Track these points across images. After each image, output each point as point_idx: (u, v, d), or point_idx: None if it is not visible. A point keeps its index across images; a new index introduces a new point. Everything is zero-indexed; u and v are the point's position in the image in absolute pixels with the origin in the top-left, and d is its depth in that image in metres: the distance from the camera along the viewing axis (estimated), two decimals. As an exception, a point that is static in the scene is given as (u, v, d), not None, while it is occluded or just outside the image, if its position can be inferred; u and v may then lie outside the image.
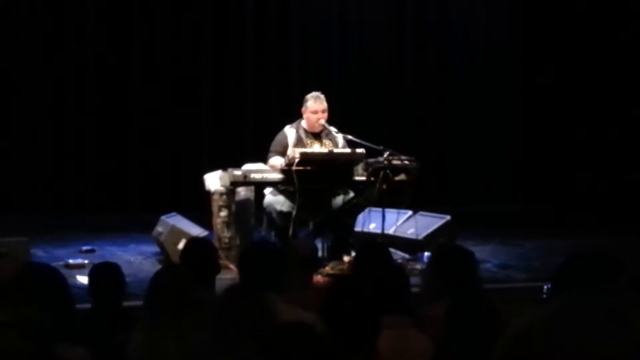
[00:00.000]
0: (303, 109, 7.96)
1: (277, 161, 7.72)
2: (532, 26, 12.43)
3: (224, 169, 7.73)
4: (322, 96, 7.95)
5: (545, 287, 7.28)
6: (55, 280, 4.15)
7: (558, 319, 1.73)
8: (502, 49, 12.57)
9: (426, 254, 7.83)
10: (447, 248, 4.97)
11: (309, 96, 7.97)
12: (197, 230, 8.08)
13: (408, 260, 7.87)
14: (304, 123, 7.95)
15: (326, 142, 7.91)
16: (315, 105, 7.90)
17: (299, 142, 7.84)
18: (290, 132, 7.92)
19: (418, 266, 7.52)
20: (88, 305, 4.81)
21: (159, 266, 7.19)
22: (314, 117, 7.88)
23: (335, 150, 7.73)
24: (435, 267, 4.39)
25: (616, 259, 3.99)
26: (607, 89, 12.09)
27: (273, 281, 4.06)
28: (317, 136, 7.94)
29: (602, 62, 12.10)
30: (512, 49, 12.55)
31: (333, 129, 7.96)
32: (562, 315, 1.73)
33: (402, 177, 7.66)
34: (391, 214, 8.14)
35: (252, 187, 7.95)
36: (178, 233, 7.88)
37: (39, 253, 8.18)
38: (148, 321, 3.82)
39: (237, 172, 7.61)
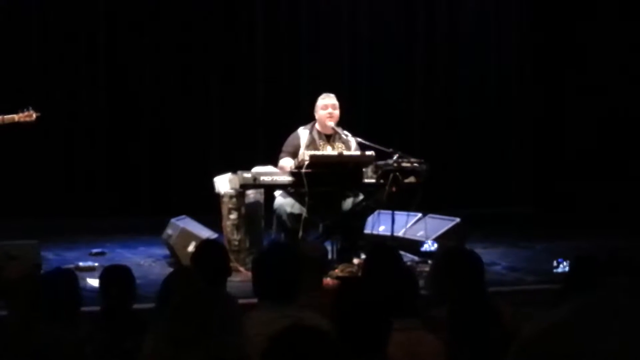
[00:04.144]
0: (315, 110, 7.99)
1: (287, 163, 7.74)
2: (543, 28, 12.41)
3: (234, 171, 7.73)
4: (332, 95, 7.99)
5: (555, 262, 7.37)
6: (66, 285, 4.18)
7: (575, 321, 1.73)
8: (512, 50, 12.55)
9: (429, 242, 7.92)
10: (454, 250, 4.96)
11: (319, 97, 8.02)
12: (206, 233, 8.08)
13: (417, 262, 7.88)
14: (317, 125, 7.97)
15: (339, 144, 7.91)
16: (325, 101, 7.94)
17: (311, 144, 7.86)
18: (303, 133, 7.94)
19: (427, 268, 7.52)
20: (98, 308, 4.82)
21: (169, 269, 7.19)
22: (324, 112, 7.89)
23: (345, 153, 7.73)
24: (441, 270, 4.40)
25: (621, 260, 3.99)
26: (619, 89, 12.07)
27: (288, 285, 4.05)
28: (330, 138, 7.95)
29: (615, 62, 12.08)
30: (523, 51, 12.53)
31: (346, 132, 7.97)
32: (579, 317, 1.73)
33: (411, 179, 7.67)
34: (401, 216, 8.15)
35: (262, 190, 7.96)
36: (188, 236, 7.89)
37: (49, 256, 8.20)
38: (158, 324, 3.82)
39: (247, 175, 7.62)
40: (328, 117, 7.89)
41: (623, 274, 3.46)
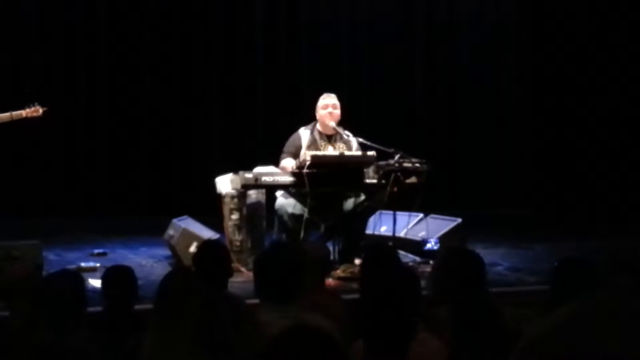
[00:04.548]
0: (316, 110, 8.00)
1: (288, 163, 7.74)
2: (544, 28, 12.40)
3: (236, 171, 7.73)
4: (333, 95, 8.00)
5: (555, 263, 7.36)
6: (71, 287, 4.17)
7: (577, 321, 1.73)
8: (513, 51, 12.55)
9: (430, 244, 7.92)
10: (455, 251, 4.97)
11: (320, 97, 8.03)
12: (208, 233, 8.08)
13: (419, 262, 7.88)
14: (318, 125, 7.98)
15: (340, 145, 7.92)
16: (325, 100, 7.97)
17: (312, 144, 7.86)
18: (304, 133, 7.95)
19: (429, 269, 7.52)
20: (100, 308, 4.83)
21: (171, 269, 7.20)
22: (324, 112, 7.91)
23: (346, 153, 7.73)
24: (443, 270, 4.40)
25: (623, 260, 3.99)
26: (618, 91, 12.07)
27: (289, 286, 4.05)
28: (331, 139, 7.96)
29: (615, 63, 12.07)
30: (524, 52, 12.53)
31: (347, 133, 7.98)
32: (581, 318, 1.73)
33: (413, 179, 7.67)
34: (402, 216, 8.15)
35: (263, 190, 7.96)
36: (189, 236, 7.89)
37: (50, 256, 8.19)
38: (158, 324, 3.82)
39: (249, 175, 7.62)
40: (328, 116, 7.90)
41: (625, 275, 3.46)
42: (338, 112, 7.95)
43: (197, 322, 3.61)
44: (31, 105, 8.32)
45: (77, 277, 4.39)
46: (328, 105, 7.94)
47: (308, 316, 3.84)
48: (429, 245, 8.12)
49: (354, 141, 7.96)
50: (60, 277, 4.32)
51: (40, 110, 8.34)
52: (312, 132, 7.95)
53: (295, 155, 7.76)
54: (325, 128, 7.95)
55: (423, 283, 4.58)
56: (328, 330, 2.70)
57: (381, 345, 3.29)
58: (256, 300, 4.22)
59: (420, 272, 7.13)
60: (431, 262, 7.66)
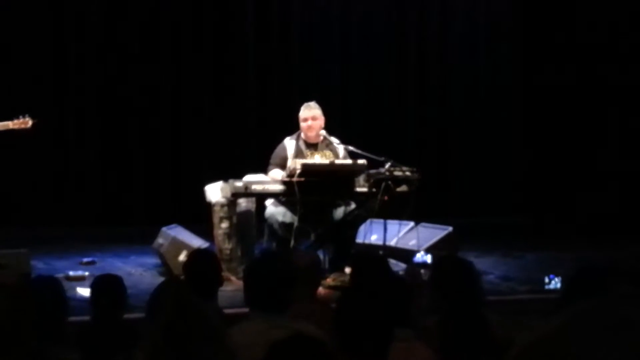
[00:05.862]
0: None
1: (276, 174, 7.73)
2: (535, 34, 12.38)
3: (225, 180, 7.70)
4: (313, 104, 7.99)
5: (546, 278, 7.35)
6: (54, 293, 4.13)
7: (572, 328, 1.71)
8: (505, 57, 12.53)
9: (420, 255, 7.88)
10: (447, 260, 4.95)
11: (302, 106, 8.01)
12: (198, 242, 8.06)
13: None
14: (303, 134, 7.95)
15: (326, 152, 7.90)
16: (304, 112, 7.94)
17: (298, 154, 7.83)
18: (289, 143, 7.92)
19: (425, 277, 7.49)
20: (88, 317, 4.79)
21: (160, 278, 7.17)
22: (304, 124, 7.90)
23: (337, 162, 7.72)
24: (434, 279, 4.38)
25: (622, 268, 3.99)
26: (612, 99, 12.05)
27: (280, 294, 4.02)
28: (317, 147, 7.93)
29: (609, 68, 12.05)
30: (516, 58, 12.52)
31: (334, 140, 7.96)
32: (576, 325, 1.71)
33: (403, 188, 7.66)
34: (393, 225, 8.13)
35: (253, 199, 7.93)
36: (179, 245, 7.87)
37: (39, 265, 8.15)
38: (150, 335, 3.79)
39: (238, 184, 7.60)
40: (307, 129, 7.88)
41: (624, 282, 3.45)
42: (318, 122, 7.91)
43: (186, 333, 3.58)
44: (20, 116, 8.04)
45: (55, 282, 4.36)
46: (307, 118, 7.91)
47: (299, 325, 3.82)
48: (418, 256, 8.07)
49: (340, 148, 7.94)
50: (39, 284, 4.28)
51: (30, 123, 8.08)
52: (297, 142, 7.93)
53: (282, 166, 7.75)
54: (309, 137, 7.93)
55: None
56: (319, 339, 2.67)
57: (358, 353, 3.27)
58: (246, 310, 4.19)
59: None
60: (422, 271, 7.65)
